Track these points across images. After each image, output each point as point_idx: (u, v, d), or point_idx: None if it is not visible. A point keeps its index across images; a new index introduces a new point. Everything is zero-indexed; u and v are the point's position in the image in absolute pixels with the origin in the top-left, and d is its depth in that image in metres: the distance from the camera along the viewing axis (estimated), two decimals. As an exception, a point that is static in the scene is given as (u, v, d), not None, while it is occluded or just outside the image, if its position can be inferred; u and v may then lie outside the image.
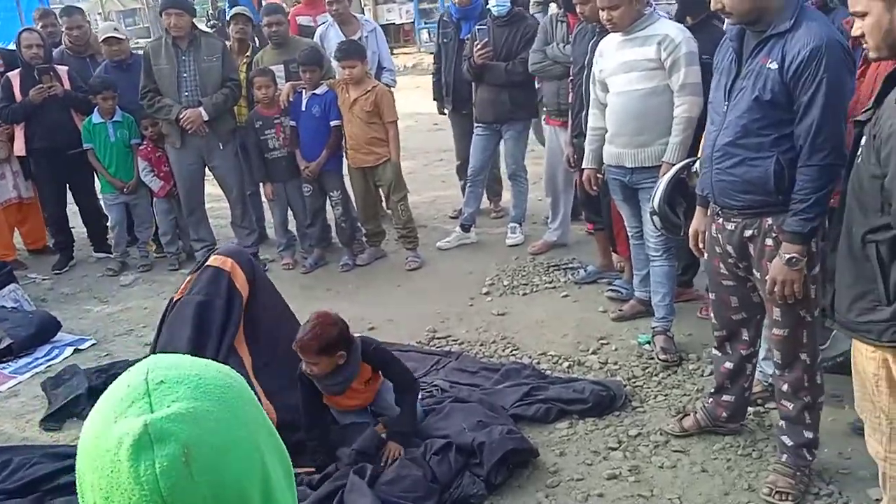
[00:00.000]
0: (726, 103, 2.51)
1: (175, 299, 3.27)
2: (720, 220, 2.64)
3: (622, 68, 3.55)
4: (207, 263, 3.22)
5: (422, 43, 16.47)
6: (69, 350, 4.34)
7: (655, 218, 3.22)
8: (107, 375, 3.80)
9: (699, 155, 3.07)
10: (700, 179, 2.76)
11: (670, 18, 3.70)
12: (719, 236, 2.67)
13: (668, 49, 3.37)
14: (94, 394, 3.66)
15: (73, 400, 3.62)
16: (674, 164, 3.34)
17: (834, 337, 3.31)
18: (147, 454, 0.64)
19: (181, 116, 5.03)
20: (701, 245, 2.86)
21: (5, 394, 3.94)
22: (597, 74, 3.74)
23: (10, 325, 4.36)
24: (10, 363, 4.19)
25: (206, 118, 5.07)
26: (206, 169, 5.45)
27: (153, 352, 3.30)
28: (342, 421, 3.14)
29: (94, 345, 4.43)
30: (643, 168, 3.57)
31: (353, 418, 3.14)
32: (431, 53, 6.87)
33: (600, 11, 3.46)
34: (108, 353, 4.29)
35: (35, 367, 4.17)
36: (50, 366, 4.18)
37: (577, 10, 4.07)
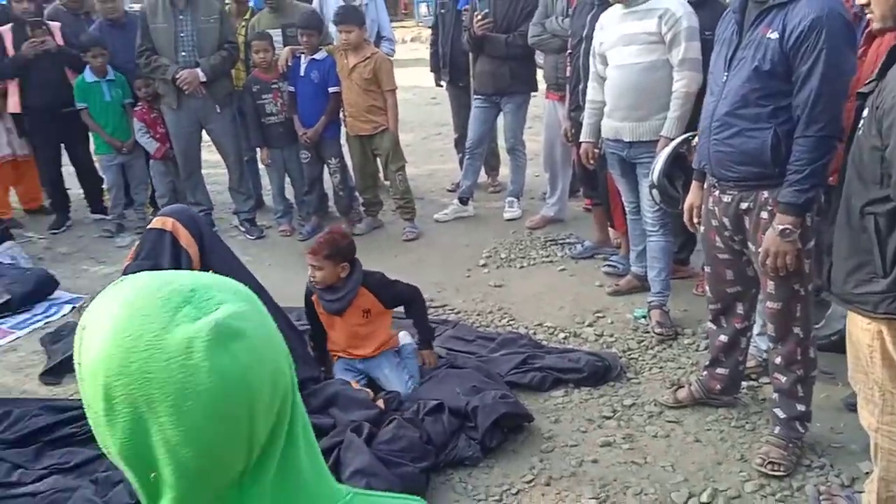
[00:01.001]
0: (726, 73, 2.51)
1: (125, 265, 3.25)
2: (716, 193, 2.66)
3: (622, 41, 3.55)
4: (149, 226, 3.22)
5: (420, 16, 16.39)
6: (67, 308, 4.35)
7: (654, 191, 3.24)
8: (104, 334, 3.81)
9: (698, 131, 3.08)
10: (697, 150, 2.77)
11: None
12: (715, 209, 2.69)
13: (669, 23, 3.37)
14: (90, 351, 3.67)
15: (71, 355, 3.60)
16: (671, 139, 3.36)
17: (829, 316, 3.36)
18: (225, 350, 0.66)
19: (178, 76, 4.99)
20: (696, 220, 2.89)
21: (4, 348, 3.94)
22: (596, 47, 3.74)
23: (8, 282, 4.36)
24: (8, 318, 4.20)
25: (203, 79, 5.03)
26: (204, 132, 5.42)
27: None
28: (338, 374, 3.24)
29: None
30: (641, 142, 3.58)
31: (351, 377, 3.20)
32: (430, 27, 6.84)
33: (601, -19, 3.46)
34: (104, 313, 4.29)
35: (34, 323, 4.18)
36: (48, 322, 4.20)
37: (580, -18, 4.07)
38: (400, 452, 2.62)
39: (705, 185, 2.75)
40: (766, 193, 2.51)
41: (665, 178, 3.16)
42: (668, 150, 3.19)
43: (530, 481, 2.66)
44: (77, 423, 3.15)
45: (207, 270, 3.09)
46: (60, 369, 3.62)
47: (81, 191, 6.03)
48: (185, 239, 3.09)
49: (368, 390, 3.12)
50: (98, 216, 5.94)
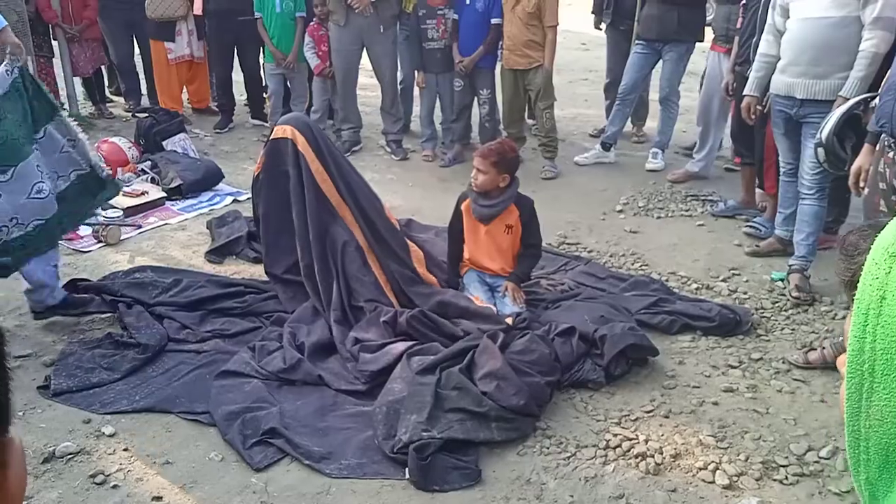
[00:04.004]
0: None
1: (256, 173, 3.61)
2: (890, 154, 2.59)
3: (811, -7, 3.41)
4: (272, 136, 3.52)
5: (578, -39, 16.00)
6: (229, 199, 4.77)
7: (821, 150, 3.16)
8: (264, 225, 4.17)
9: (880, 90, 2.97)
10: (878, 108, 2.68)
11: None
12: (887, 171, 2.61)
13: None
14: (252, 237, 4.03)
15: (234, 240, 4.01)
16: (850, 99, 3.24)
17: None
18: None
19: (351, -6, 5.19)
20: (861, 183, 2.81)
21: (174, 226, 4.39)
22: (779, -1, 3.61)
23: (180, 168, 4.80)
24: (178, 202, 4.64)
25: (373, -2, 5.21)
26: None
27: (255, 220, 3.68)
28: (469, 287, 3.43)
29: (249, 198, 4.79)
30: (814, 101, 3.46)
31: (480, 288, 3.40)
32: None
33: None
34: (262, 207, 4.65)
35: (199, 208, 4.62)
36: (212, 209, 4.62)
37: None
38: (530, 364, 2.77)
39: (878, 147, 2.68)
40: (945, 159, 2.42)
41: (835, 138, 3.07)
42: (842, 108, 3.09)
43: (650, 411, 2.75)
44: (238, 298, 3.52)
45: (327, 170, 3.39)
46: (223, 250, 4.00)
47: (245, 96, 6.46)
48: (302, 144, 3.38)
49: (493, 307, 3.27)
50: (257, 122, 6.37)
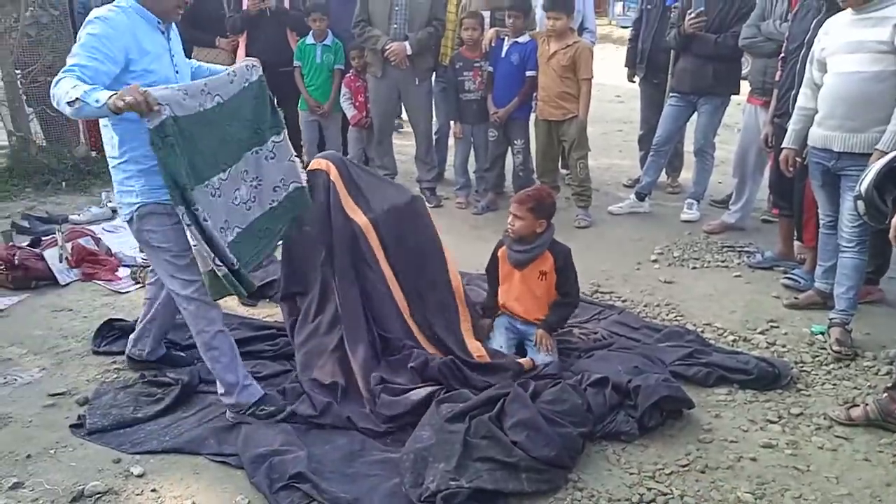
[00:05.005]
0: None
1: None
2: (934, 208, 2.53)
3: (847, 48, 3.41)
4: (309, 169, 3.56)
5: (614, 15, 16.24)
6: (265, 243, 4.81)
7: (860, 202, 3.10)
8: (297, 268, 4.20)
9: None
10: (921, 163, 2.64)
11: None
12: (929, 224, 2.55)
13: None
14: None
15: (268, 283, 4.04)
16: (887, 153, 3.19)
17: None
18: None
19: (387, 48, 5.32)
20: None
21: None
22: (817, 53, 3.61)
23: (219, 213, 4.87)
24: (215, 245, 4.70)
25: (409, 52, 5.34)
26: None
27: (286, 245, 3.58)
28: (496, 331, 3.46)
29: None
30: (851, 154, 3.44)
31: (506, 336, 3.41)
32: (623, 27, 6.84)
33: (836, -16, 3.34)
34: (296, 252, 4.70)
35: (236, 251, 4.66)
36: (248, 253, 4.66)
37: (808, -16, 3.94)
38: (561, 414, 2.72)
39: (919, 199, 2.63)
40: None
41: (875, 191, 3.01)
42: (882, 161, 3.04)
43: (685, 466, 2.67)
44: (270, 341, 3.54)
45: (356, 202, 3.44)
46: (257, 294, 4.02)
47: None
48: (335, 175, 3.45)
49: (521, 361, 3.24)
50: (296, 169, 6.48)
